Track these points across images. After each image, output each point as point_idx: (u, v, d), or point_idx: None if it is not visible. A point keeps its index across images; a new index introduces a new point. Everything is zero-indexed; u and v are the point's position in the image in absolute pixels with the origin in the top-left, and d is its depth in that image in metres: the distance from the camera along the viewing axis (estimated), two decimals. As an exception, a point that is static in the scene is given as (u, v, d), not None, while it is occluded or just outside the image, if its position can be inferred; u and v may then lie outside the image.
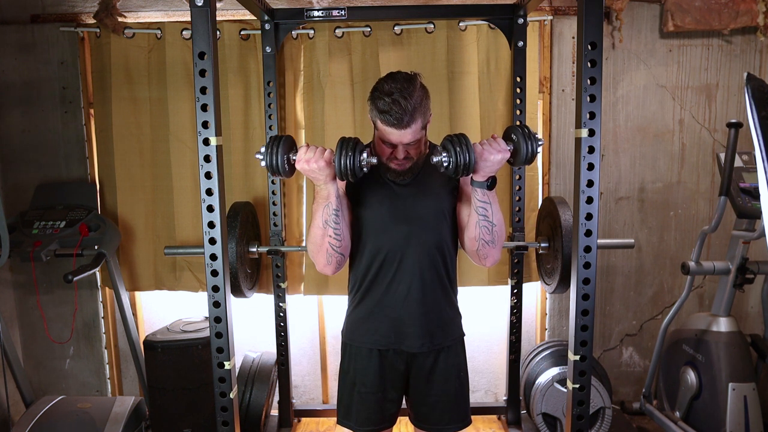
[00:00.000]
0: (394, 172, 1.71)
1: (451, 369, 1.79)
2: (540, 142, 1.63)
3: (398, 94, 1.56)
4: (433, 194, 1.74)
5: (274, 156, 1.60)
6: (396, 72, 1.65)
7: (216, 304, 1.64)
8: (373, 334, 1.77)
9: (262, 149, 1.62)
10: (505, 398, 2.98)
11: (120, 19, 2.77)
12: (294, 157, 1.61)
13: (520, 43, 2.64)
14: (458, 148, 1.56)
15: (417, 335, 1.74)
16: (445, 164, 1.59)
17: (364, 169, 1.60)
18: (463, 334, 1.87)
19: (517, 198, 2.75)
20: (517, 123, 1.50)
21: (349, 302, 1.85)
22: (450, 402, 1.79)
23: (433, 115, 1.74)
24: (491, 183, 1.63)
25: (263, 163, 1.61)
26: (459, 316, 1.86)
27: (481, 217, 1.65)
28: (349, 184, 1.76)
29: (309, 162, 1.56)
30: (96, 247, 2.59)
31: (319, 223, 1.66)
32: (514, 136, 1.64)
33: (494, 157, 1.57)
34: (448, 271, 1.78)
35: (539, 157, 2.99)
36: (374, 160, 1.60)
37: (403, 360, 1.78)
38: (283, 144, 1.62)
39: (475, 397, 3.21)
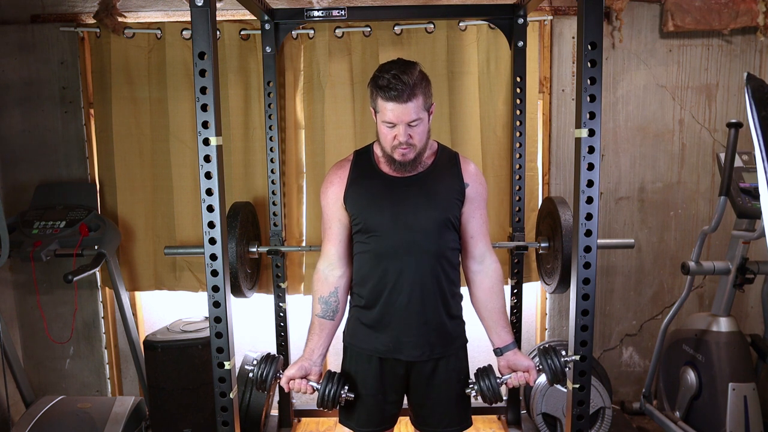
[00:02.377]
0: (398, 164, 1.66)
1: (451, 373, 1.77)
2: (569, 367, 1.72)
3: (398, 71, 1.56)
4: (438, 201, 1.69)
5: (263, 380, 1.73)
6: (396, 59, 1.65)
7: (216, 304, 1.64)
8: (373, 342, 1.74)
9: (253, 368, 1.74)
10: (505, 398, 2.98)
11: (120, 19, 2.77)
12: (280, 378, 1.75)
13: (520, 43, 2.64)
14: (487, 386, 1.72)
15: (416, 345, 1.71)
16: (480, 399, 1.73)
17: (341, 404, 1.74)
18: (466, 341, 1.85)
19: (517, 198, 2.75)
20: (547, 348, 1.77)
21: (350, 305, 1.83)
22: (450, 404, 1.78)
23: (433, 116, 1.72)
24: None
25: (251, 376, 1.75)
26: (462, 323, 1.83)
27: None
28: (351, 189, 1.73)
29: (298, 393, 1.77)
30: (96, 247, 2.59)
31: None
32: (541, 366, 1.74)
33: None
34: (450, 279, 1.73)
35: (539, 157, 2.99)
36: (352, 396, 1.73)
37: (402, 366, 1.76)
38: (272, 370, 1.73)
39: (475, 397, 3.21)
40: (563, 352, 1.72)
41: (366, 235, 1.71)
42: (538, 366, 1.73)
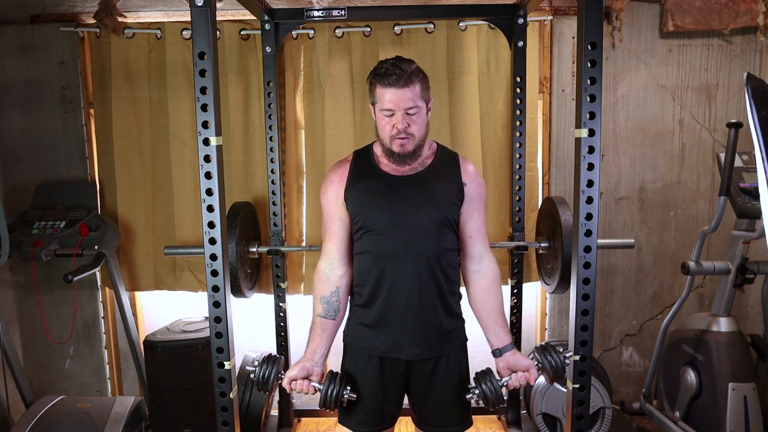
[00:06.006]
0: (397, 157, 1.67)
1: (452, 372, 1.78)
2: (568, 362, 1.70)
3: (397, 60, 1.65)
4: (436, 201, 1.70)
5: (264, 380, 1.72)
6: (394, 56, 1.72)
7: (216, 304, 1.64)
8: (373, 341, 1.75)
9: (255, 369, 1.73)
10: (505, 398, 2.97)
11: (120, 19, 2.77)
12: (282, 379, 1.75)
13: (520, 43, 2.64)
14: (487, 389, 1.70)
15: (415, 344, 1.72)
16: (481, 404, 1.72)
17: (344, 404, 1.74)
18: (466, 339, 1.85)
19: (517, 198, 2.75)
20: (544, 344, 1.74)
21: (351, 305, 1.84)
22: (451, 403, 1.78)
23: (433, 116, 1.74)
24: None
25: (252, 377, 1.75)
26: (461, 322, 1.83)
27: None
28: (351, 188, 1.74)
29: (300, 394, 1.78)
30: (96, 247, 2.60)
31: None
32: (548, 367, 1.71)
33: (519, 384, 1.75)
34: (449, 279, 1.74)
35: (539, 157, 2.99)
36: (354, 396, 1.72)
37: (402, 365, 1.76)
38: (274, 370, 1.73)
39: (475, 397, 3.21)
40: (560, 349, 1.71)
41: (365, 234, 1.72)
42: (538, 365, 1.72)
